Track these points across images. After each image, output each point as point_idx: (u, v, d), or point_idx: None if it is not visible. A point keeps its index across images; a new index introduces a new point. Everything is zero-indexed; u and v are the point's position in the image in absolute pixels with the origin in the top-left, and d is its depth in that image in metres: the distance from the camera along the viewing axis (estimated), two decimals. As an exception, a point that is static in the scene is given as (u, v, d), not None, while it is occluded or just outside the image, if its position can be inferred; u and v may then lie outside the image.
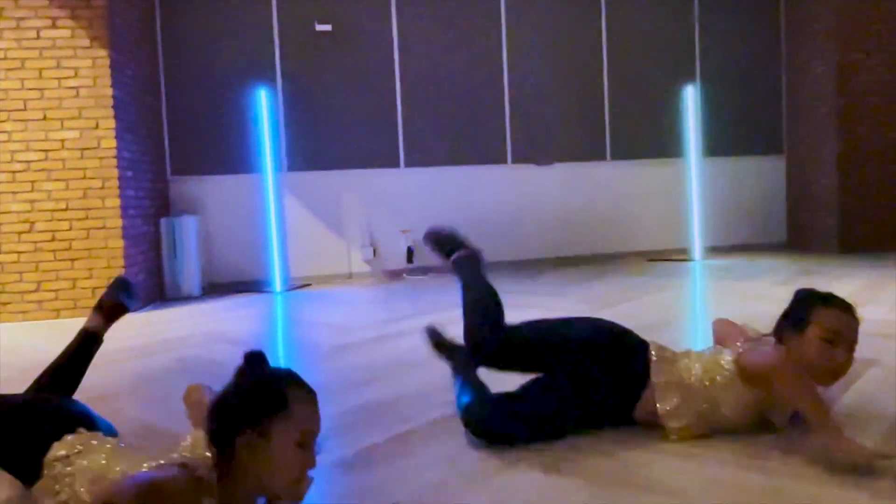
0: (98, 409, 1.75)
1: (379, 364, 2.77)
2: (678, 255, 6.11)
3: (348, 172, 5.59)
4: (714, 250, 6.26)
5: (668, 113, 6.20)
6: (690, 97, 6.01)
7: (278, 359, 3.02)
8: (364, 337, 3.30)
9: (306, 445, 1.25)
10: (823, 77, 6.04)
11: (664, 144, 6.23)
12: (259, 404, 1.24)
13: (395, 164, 5.72)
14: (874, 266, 5.00)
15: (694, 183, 6.01)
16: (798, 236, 6.54)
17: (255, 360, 1.33)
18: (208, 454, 1.26)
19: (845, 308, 1.74)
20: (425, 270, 5.70)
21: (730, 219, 6.47)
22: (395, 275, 5.68)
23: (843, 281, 4.34)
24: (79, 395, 1.97)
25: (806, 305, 1.78)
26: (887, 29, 5.92)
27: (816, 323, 1.71)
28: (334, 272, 5.61)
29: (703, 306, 3.98)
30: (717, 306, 3.86)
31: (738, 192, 6.51)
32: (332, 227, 5.60)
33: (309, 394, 1.31)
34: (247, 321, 4.01)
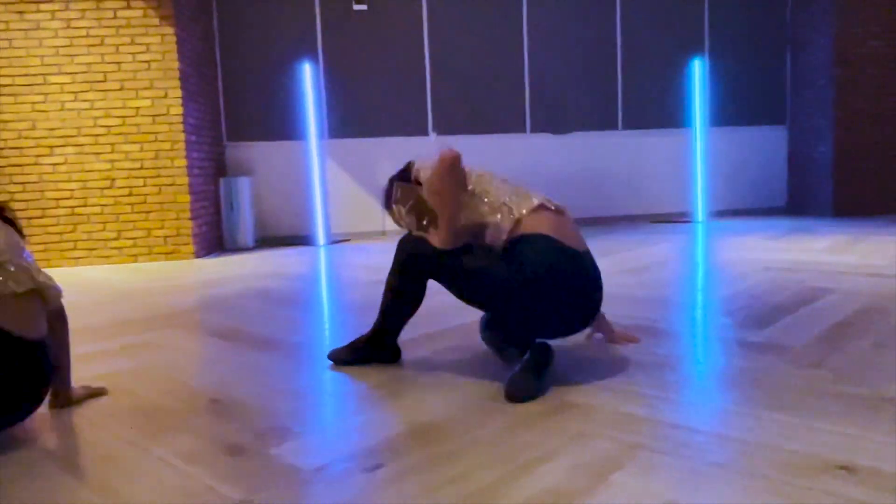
0: (181, 321, 2.40)
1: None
2: (682, 217, 6.63)
3: (382, 140, 6.18)
4: (717, 214, 6.77)
5: (677, 84, 6.67)
6: (698, 70, 6.47)
7: (322, 289, 3.65)
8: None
9: None
10: (824, 49, 6.44)
11: (673, 114, 6.71)
12: None
13: (424, 133, 6.30)
14: (860, 226, 5.48)
15: (699, 151, 6.50)
16: (797, 202, 7.00)
17: None
18: None
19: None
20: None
21: (733, 185, 6.95)
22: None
23: (827, 237, 4.86)
24: (162, 314, 2.61)
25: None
26: (886, 2, 6.30)
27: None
28: (370, 229, 6.24)
29: (693, 253, 4.53)
30: (709, 254, 4.41)
31: (741, 160, 6.98)
32: (367, 188, 6.21)
33: None
34: (297, 265, 4.65)
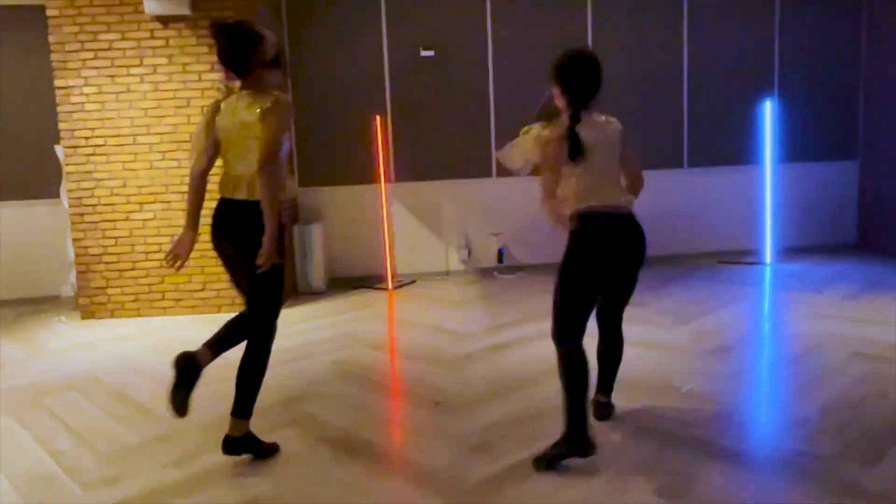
0: (290, 412, 2.57)
1: (502, 376, 3.49)
2: (749, 256, 6.56)
3: (447, 182, 6.31)
4: (785, 252, 6.67)
5: (745, 121, 6.58)
6: (768, 110, 6.36)
7: (402, 362, 3.82)
8: (482, 345, 4.03)
9: None
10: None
11: (740, 152, 6.62)
12: None
13: (488, 174, 6.40)
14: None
15: (768, 188, 6.41)
16: (868, 238, 6.84)
17: None
18: None
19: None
20: (514, 269, 6.41)
21: (803, 221, 6.83)
22: (486, 273, 6.41)
23: None
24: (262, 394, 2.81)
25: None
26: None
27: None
28: (434, 269, 6.40)
29: (765, 323, 4.52)
30: (783, 324, 4.40)
31: (811, 196, 6.84)
32: (432, 230, 6.36)
33: None
34: (373, 322, 4.83)
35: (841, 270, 5.88)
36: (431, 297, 5.61)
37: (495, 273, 6.35)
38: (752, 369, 3.41)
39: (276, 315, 2.74)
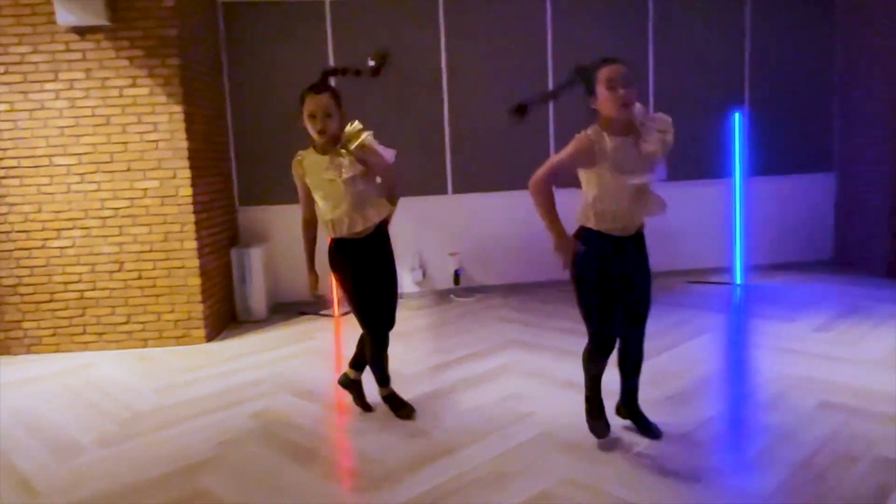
0: (181, 487, 2.17)
1: (435, 436, 3.13)
2: (720, 276, 6.25)
3: (400, 199, 5.90)
4: (759, 269, 6.37)
5: (713, 136, 6.26)
6: (738, 122, 6.04)
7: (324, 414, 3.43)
8: (420, 392, 3.66)
9: None
10: (881, 93, 5.95)
11: (709, 166, 6.31)
12: None
13: (443, 191, 6.03)
14: (916, 302, 5.05)
15: (738, 203, 6.09)
16: (845, 255, 6.56)
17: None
18: None
19: (613, 61, 2.57)
20: (471, 292, 6.05)
21: (775, 236, 6.54)
22: (442, 295, 6.04)
23: (893, 328, 4.41)
24: (159, 460, 2.41)
25: (589, 74, 2.61)
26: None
27: (599, 81, 2.56)
28: (388, 292, 6.01)
29: (729, 362, 4.19)
30: (749, 361, 4.07)
31: (784, 210, 6.55)
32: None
33: None
34: (309, 359, 4.44)
35: (815, 292, 5.57)
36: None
37: (451, 296, 5.99)
38: (707, 426, 3.06)
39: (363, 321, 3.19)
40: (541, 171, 2.56)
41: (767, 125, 6.41)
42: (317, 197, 3.09)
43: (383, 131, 5.99)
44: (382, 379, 3.38)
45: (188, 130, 4.76)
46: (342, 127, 3.05)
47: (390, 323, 3.22)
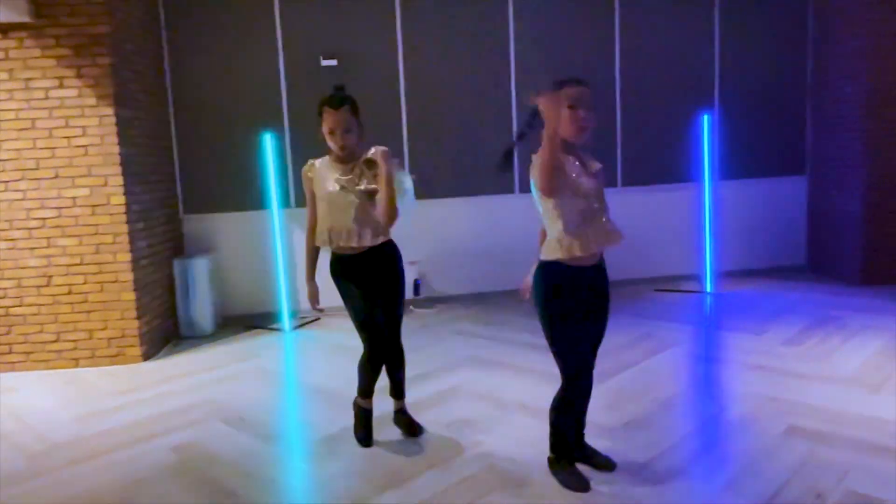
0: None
1: (369, 469, 2.86)
2: (689, 283, 6.05)
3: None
4: (730, 275, 6.18)
5: (682, 139, 6.06)
6: (707, 124, 5.85)
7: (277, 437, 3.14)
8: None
9: None
10: (853, 98, 5.79)
11: (678, 170, 6.11)
12: None
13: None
14: None
15: (707, 208, 5.90)
16: (818, 260, 6.39)
17: None
18: None
19: (577, 82, 2.38)
20: (431, 303, 5.78)
21: (747, 242, 6.36)
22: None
23: (866, 342, 4.19)
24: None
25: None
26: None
27: (561, 99, 2.29)
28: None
29: (701, 386, 3.97)
30: (716, 381, 3.85)
31: (756, 215, 6.37)
32: (341, 260, 5.69)
33: None
34: (249, 381, 4.14)
35: (786, 301, 5.38)
36: (331, 339, 4.95)
37: (411, 307, 5.71)
38: (668, 455, 2.82)
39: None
40: (543, 176, 2.26)
41: (738, 128, 6.23)
42: (320, 206, 2.95)
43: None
44: (363, 391, 3.11)
45: (121, 134, 4.44)
46: (362, 136, 2.92)
47: (390, 344, 3.03)
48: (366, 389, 3.06)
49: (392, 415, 3.21)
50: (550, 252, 2.43)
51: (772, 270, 6.46)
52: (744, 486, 2.52)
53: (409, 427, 3.14)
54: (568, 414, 2.58)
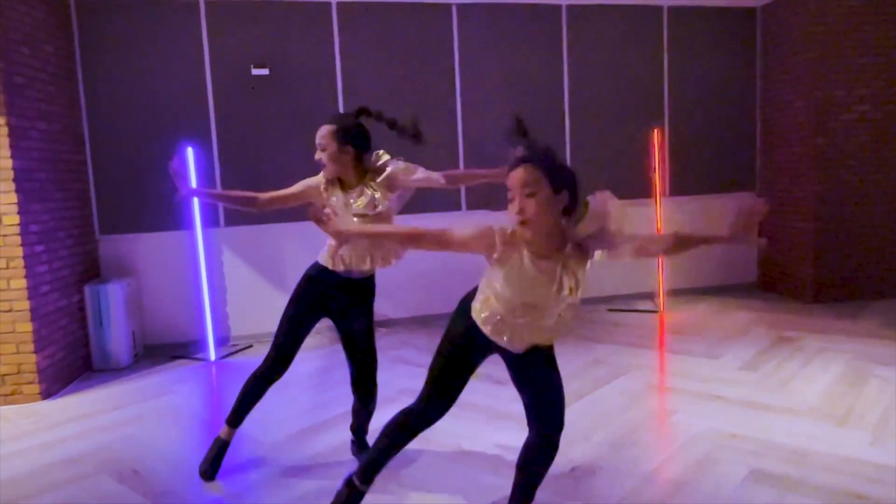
0: None
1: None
2: (643, 302, 5.83)
3: (289, 225, 5.23)
4: (681, 294, 6.00)
5: (631, 154, 5.87)
6: (657, 139, 5.66)
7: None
8: (273, 470, 2.99)
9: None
10: (802, 113, 5.68)
11: (627, 185, 5.89)
12: None
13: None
14: (853, 333, 4.71)
15: (658, 224, 5.69)
16: (769, 278, 6.26)
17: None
18: None
19: (520, 160, 1.96)
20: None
21: (699, 259, 6.19)
22: (342, 331, 5.37)
23: (824, 368, 3.99)
24: None
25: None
26: (872, 63, 5.56)
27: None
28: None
29: (656, 422, 3.69)
30: (672, 411, 3.58)
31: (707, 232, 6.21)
32: (273, 281, 5.28)
33: None
34: (156, 422, 3.69)
35: (740, 321, 5.19)
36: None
37: (351, 333, 5.31)
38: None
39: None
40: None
41: (688, 144, 6.08)
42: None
43: (278, 150, 5.37)
44: (236, 418, 2.87)
45: (14, 147, 3.95)
46: (375, 160, 2.81)
47: (370, 374, 2.95)
48: (240, 416, 2.83)
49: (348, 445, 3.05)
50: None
51: (724, 288, 6.31)
52: (703, 545, 2.23)
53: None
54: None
